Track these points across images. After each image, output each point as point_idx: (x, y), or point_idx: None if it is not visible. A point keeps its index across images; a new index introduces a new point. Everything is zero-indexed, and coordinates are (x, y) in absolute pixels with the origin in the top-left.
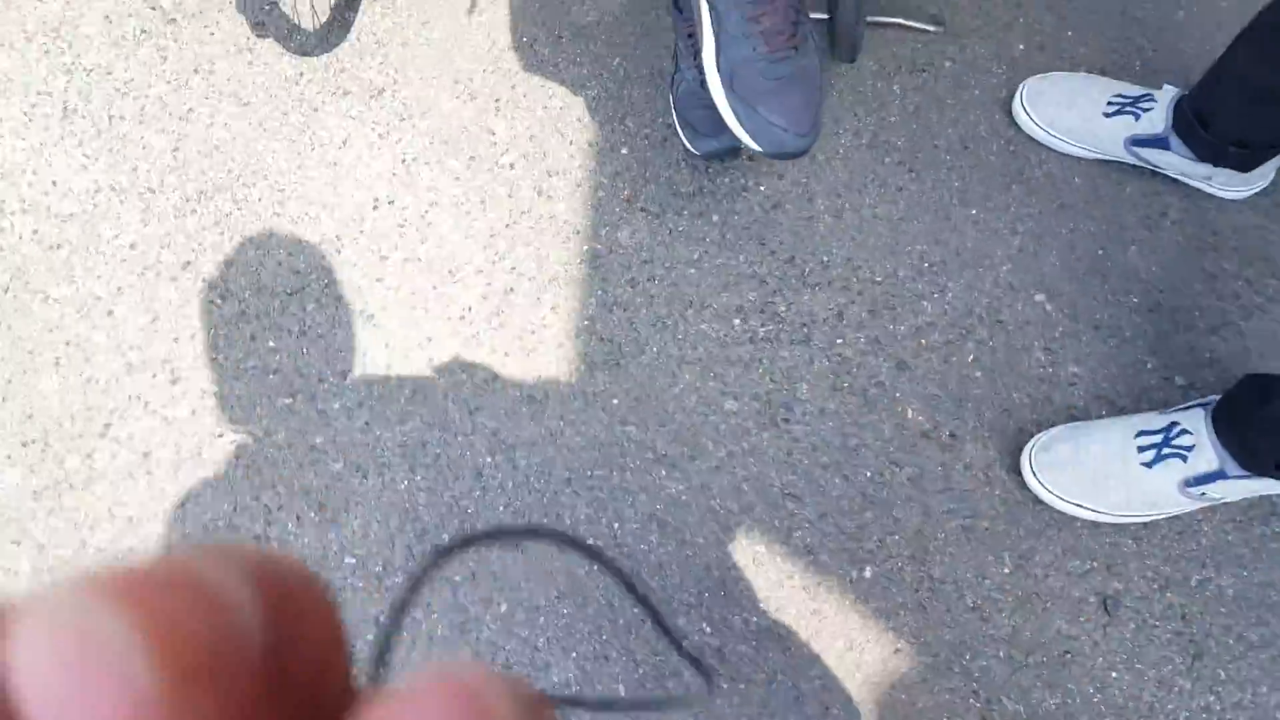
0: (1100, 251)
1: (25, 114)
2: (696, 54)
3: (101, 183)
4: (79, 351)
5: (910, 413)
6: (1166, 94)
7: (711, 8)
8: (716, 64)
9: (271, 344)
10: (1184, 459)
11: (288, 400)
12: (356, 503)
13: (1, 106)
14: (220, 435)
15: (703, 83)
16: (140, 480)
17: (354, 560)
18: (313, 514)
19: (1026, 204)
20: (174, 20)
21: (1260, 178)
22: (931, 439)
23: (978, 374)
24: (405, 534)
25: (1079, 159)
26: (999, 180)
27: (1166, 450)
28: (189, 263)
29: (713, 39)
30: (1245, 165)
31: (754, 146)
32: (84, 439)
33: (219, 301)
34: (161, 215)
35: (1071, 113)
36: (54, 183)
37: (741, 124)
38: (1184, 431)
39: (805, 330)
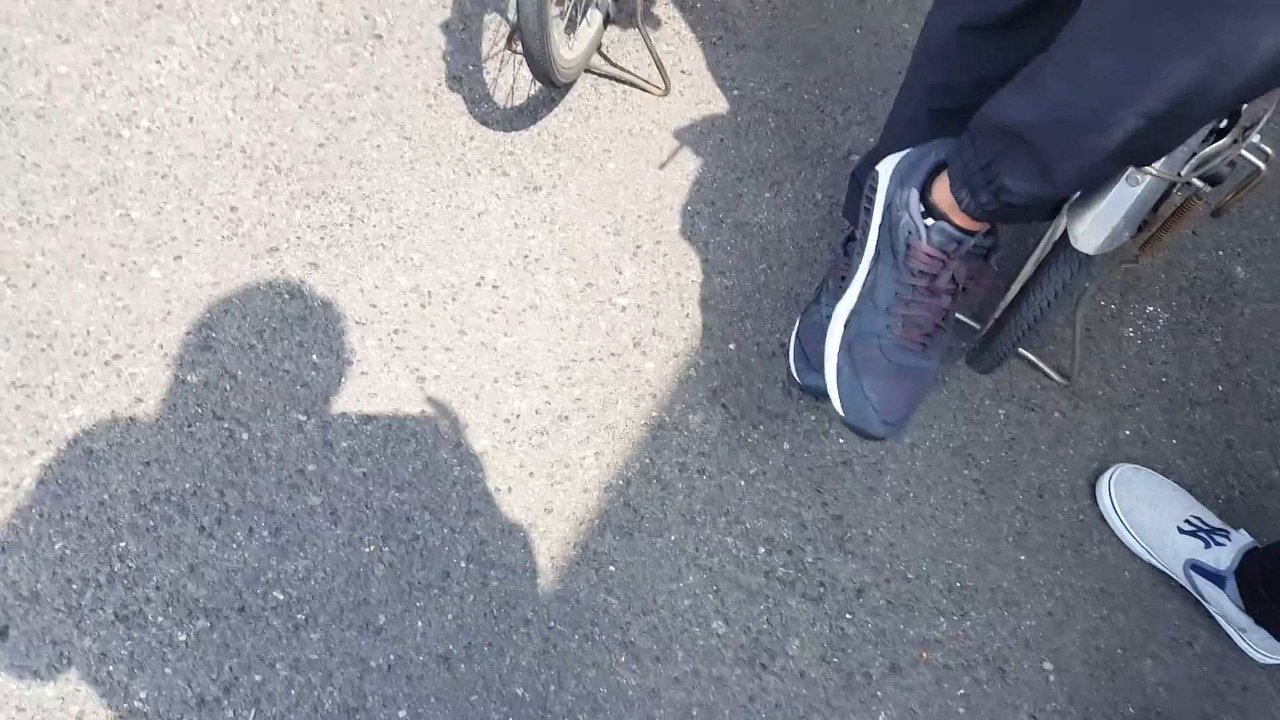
0: (1119, 650)
1: (199, 49)
2: (838, 298)
3: (235, 141)
4: (130, 277)
5: (883, 716)
6: (1240, 539)
7: (872, 269)
8: (847, 319)
9: (315, 358)
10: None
11: (302, 417)
12: (314, 544)
13: (181, 32)
14: (219, 417)
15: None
16: (120, 419)
17: (281, 597)
18: (266, 534)
19: (1073, 574)
20: (379, 37)
21: None
22: None
23: (961, 710)
24: (345, 596)
25: (1136, 556)
26: (1058, 541)
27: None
28: (276, 249)
29: (856, 298)
30: None
31: (838, 409)
32: (87, 359)
33: (287, 298)
34: (275, 196)
35: (1150, 514)
36: (191, 119)
37: (838, 383)
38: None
39: (821, 590)
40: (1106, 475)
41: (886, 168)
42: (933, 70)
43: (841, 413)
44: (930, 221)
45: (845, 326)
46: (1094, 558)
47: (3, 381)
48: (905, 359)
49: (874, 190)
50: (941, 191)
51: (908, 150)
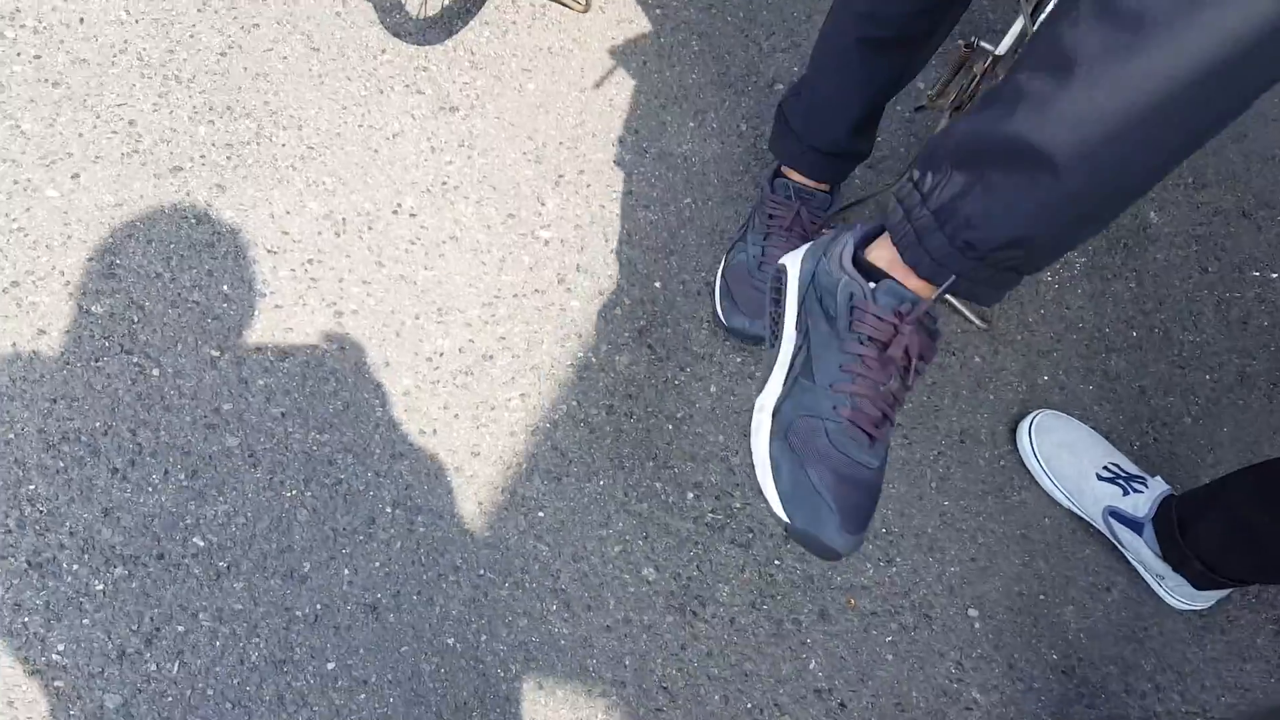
0: (1041, 596)
1: None
2: (778, 296)
3: (131, 47)
4: (25, 197)
5: (814, 664)
6: (1157, 486)
7: (800, 351)
8: (775, 408)
9: (226, 289)
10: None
11: (214, 352)
12: (233, 488)
13: None
14: (128, 351)
15: (759, 266)
16: (21, 355)
17: (201, 543)
18: (182, 477)
19: (994, 520)
20: None
21: (1204, 600)
22: (823, 699)
23: (889, 657)
24: (267, 543)
25: (1056, 503)
26: (979, 486)
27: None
28: (180, 169)
29: (782, 384)
30: (1200, 584)
31: (781, 514)
32: None
33: (193, 221)
34: (176, 109)
35: (1069, 460)
36: (82, 20)
37: (776, 480)
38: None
39: (750, 536)
40: (1026, 421)
41: (795, 256)
42: (859, 2)
43: (785, 517)
44: (874, 284)
45: (774, 416)
46: (1015, 503)
47: None
48: (855, 452)
49: (782, 280)
50: (880, 250)
51: (811, 243)
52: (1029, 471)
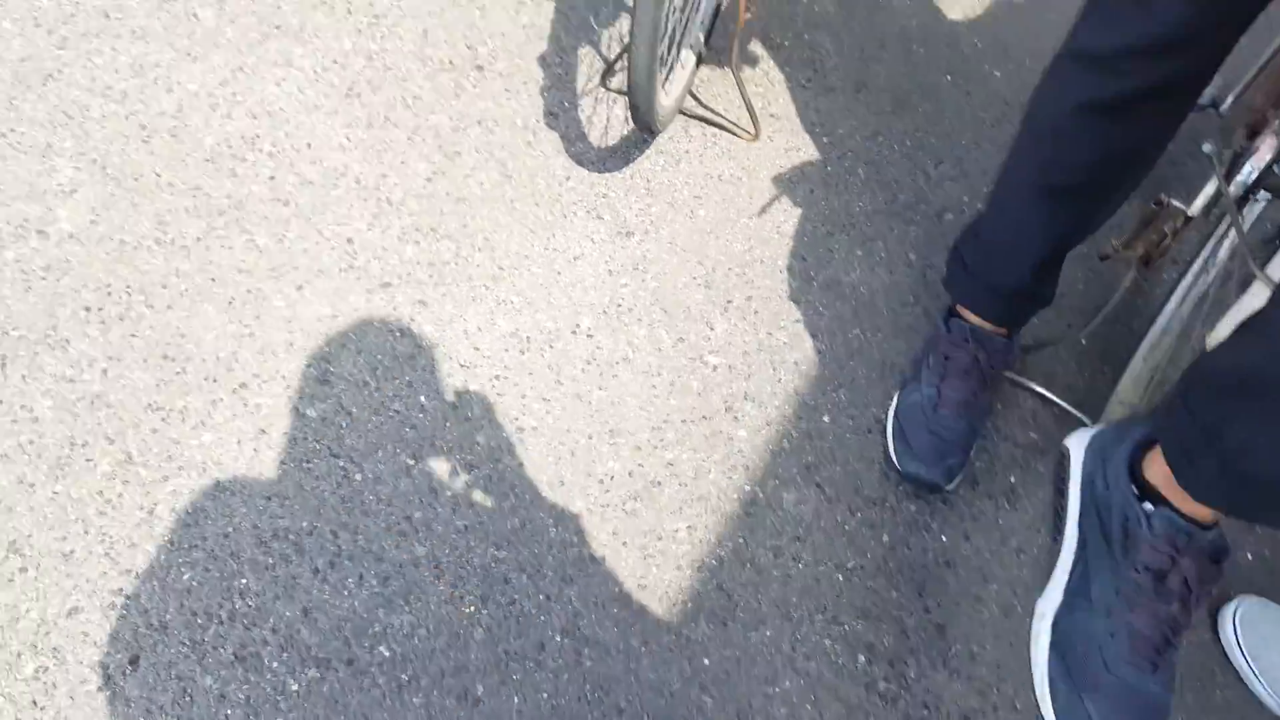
0: None
1: (315, 72)
2: (972, 433)
3: (350, 170)
4: (255, 304)
5: None
6: None
7: (1078, 560)
8: (1055, 618)
9: (423, 400)
10: None
11: (410, 461)
12: (418, 598)
13: (298, 55)
14: (335, 455)
15: (935, 409)
16: (245, 449)
17: (386, 653)
18: (374, 583)
19: (1195, 717)
20: (481, 68)
21: None
22: None
23: None
24: (446, 659)
25: (1264, 706)
26: (1178, 678)
27: None
28: (389, 285)
29: (1063, 593)
30: None
31: None
32: (218, 385)
33: (398, 335)
34: (387, 229)
35: None
36: (309, 145)
37: (1054, 699)
38: None
39: (925, 713)
40: (1230, 608)
41: (1078, 443)
42: (1044, 148)
43: None
44: (1150, 506)
45: (1054, 627)
46: (1219, 702)
47: (140, 403)
48: (1133, 678)
49: (1065, 468)
50: (1155, 466)
51: (1100, 427)
52: (1234, 667)
